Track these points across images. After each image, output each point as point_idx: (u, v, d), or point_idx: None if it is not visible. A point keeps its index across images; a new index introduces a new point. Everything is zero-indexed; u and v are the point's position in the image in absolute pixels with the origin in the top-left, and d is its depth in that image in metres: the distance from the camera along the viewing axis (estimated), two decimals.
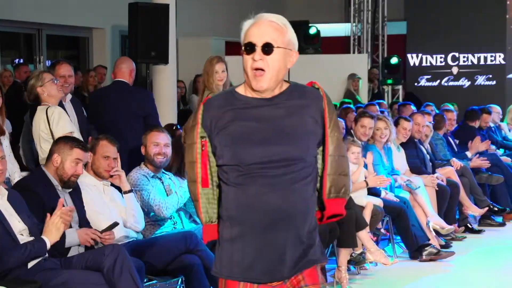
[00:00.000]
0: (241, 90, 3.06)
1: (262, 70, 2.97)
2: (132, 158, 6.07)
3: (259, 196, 2.91)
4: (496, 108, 11.09)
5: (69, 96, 6.50)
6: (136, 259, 4.78)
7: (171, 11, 9.22)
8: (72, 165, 4.85)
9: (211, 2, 14.71)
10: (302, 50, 14.52)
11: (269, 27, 3.02)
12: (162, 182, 5.63)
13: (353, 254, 6.84)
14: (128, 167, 5.71)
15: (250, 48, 2.99)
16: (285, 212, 2.93)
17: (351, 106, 10.15)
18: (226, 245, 3.03)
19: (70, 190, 4.93)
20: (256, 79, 2.97)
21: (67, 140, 4.98)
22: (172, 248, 5.08)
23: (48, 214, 4.39)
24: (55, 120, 5.65)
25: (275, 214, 2.92)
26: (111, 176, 5.29)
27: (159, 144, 5.58)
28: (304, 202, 2.98)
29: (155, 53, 9.02)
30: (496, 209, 9.20)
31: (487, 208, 8.94)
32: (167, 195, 5.60)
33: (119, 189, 5.37)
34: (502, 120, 11.48)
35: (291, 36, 3.08)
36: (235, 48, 14.97)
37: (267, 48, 2.97)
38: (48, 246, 4.37)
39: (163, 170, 5.68)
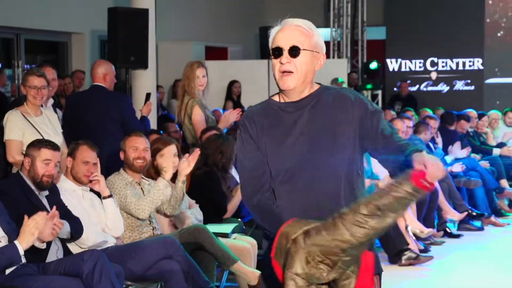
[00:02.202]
0: (276, 98, 3.18)
1: (291, 72, 3.06)
2: (109, 163, 6.04)
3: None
4: (473, 113, 11.17)
5: (51, 101, 6.47)
6: (115, 264, 4.76)
7: (150, 15, 9.20)
8: (42, 165, 4.82)
9: (191, 7, 14.70)
10: None
11: (296, 31, 3.11)
12: (142, 188, 5.61)
13: None
14: (105, 172, 5.68)
15: (277, 52, 3.08)
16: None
17: None
18: None
19: (47, 193, 4.90)
20: (283, 79, 3.07)
21: (35, 142, 5.00)
22: (152, 254, 5.06)
23: (26, 217, 4.36)
24: (5, 125, 5.74)
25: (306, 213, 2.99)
26: (91, 181, 5.26)
27: (138, 148, 5.56)
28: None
29: (134, 57, 9.00)
30: (474, 213, 9.25)
31: (465, 213, 8.98)
32: None
33: (98, 194, 5.34)
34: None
35: (318, 39, 3.18)
36: (215, 53, 14.97)
37: (294, 51, 3.06)
38: (21, 251, 4.31)
39: (142, 176, 5.66)
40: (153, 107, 9.54)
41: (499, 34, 14.95)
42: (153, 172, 5.75)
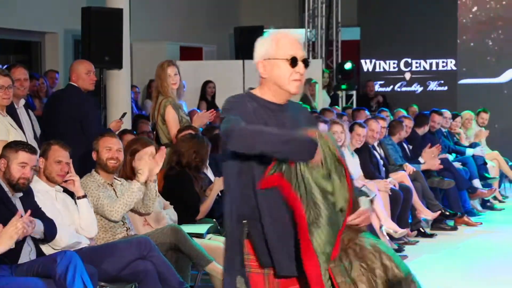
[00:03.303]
0: (258, 93, 3.41)
1: (300, 80, 3.37)
2: (74, 164, 5.98)
3: None
4: (447, 113, 11.24)
5: (23, 101, 6.42)
6: (89, 265, 4.73)
7: (124, 15, 9.17)
8: (18, 168, 4.78)
9: (165, 7, 14.66)
10: None
11: (300, 44, 3.40)
12: (114, 189, 5.58)
13: None
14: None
15: (294, 61, 3.33)
16: None
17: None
18: None
19: (21, 195, 4.87)
20: (295, 85, 3.33)
21: (13, 144, 4.94)
22: (126, 254, 5.04)
23: (1, 225, 4.33)
24: None
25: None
26: (65, 181, 5.23)
27: (111, 148, 5.54)
28: None
29: (108, 57, 8.96)
30: (448, 213, 9.32)
31: (439, 212, 9.05)
32: None
33: (71, 195, 5.31)
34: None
35: None
36: (189, 53, 14.94)
37: (307, 64, 3.36)
38: None
39: (115, 177, 5.64)
40: (127, 107, 9.52)
41: (471, 35, 15.07)
42: (129, 172, 5.73)
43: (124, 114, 7.83)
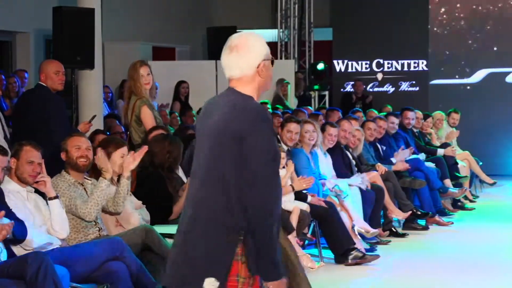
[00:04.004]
0: (254, 96, 3.37)
1: None
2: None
3: None
4: (418, 113, 11.32)
5: None
6: (61, 266, 4.71)
7: (96, 15, 9.13)
8: None
9: (138, 7, 14.61)
10: None
11: None
12: (85, 188, 5.56)
13: None
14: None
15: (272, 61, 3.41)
16: None
17: (277, 111, 10.22)
18: None
19: None
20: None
21: None
22: (97, 255, 5.02)
23: None
24: None
25: None
26: (36, 182, 5.20)
27: (80, 147, 5.52)
28: None
29: (80, 58, 8.92)
30: (419, 213, 9.38)
31: (410, 212, 9.10)
32: None
33: (42, 195, 5.28)
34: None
35: None
36: (162, 53, 14.90)
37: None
38: None
39: (85, 176, 5.61)
40: (99, 107, 9.48)
41: (443, 36, 15.18)
42: (97, 172, 5.71)
43: (94, 116, 7.80)
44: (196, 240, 3.20)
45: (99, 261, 5.01)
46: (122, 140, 6.13)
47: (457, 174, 11.12)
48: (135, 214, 5.83)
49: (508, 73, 14.90)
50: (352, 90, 15.31)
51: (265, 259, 3.16)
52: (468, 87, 15.08)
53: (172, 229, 5.85)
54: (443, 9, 15.18)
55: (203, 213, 3.21)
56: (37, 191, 5.25)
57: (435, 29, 15.17)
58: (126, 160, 5.53)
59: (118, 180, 5.63)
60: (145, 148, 5.62)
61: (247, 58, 3.28)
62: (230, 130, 3.18)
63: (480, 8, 14.99)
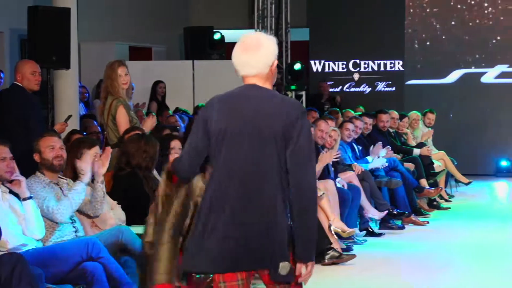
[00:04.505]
0: None
1: None
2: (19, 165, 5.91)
3: None
4: (394, 113, 11.37)
5: None
6: (36, 267, 4.68)
7: (72, 15, 9.10)
8: None
9: (114, 7, 14.55)
10: (206, 56, 14.56)
11: None
12: (61, 188, 5.53)
13: None
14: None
15: None
16: None
17: None
18: None
19: None
20: None
21: None
22: (73, 256, 5.00)
23: None
24: None
25: None
26: (11, 182, 5.16)
27: (54, 147, 5.49)
28: None
29: (56, 57, 8.88)
30: (395, 212, 9.43)
31: (386, 212, 9.14)
32: None
33: (17, 196, 5.24)
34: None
35: None
36: (139, 53, 14.85)
37: None
38: None
39: (59, 176, 5.58)
40: (74, 107, 9.44)
41: (418, 36, 15.27)
42: (71, 172, 5.68)
43: (69, 116, 7.77)
44: (272, 225, 3.46)
45: (75, 262, 4.99)
46: (94, 140, 6.10)
47: (433, 172, 11.19)
48: (111, 214, 5.81)
49: (483, 73, 15.02)
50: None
51: (312, 239, 3.46)
52: (444, 87, 15.17)
53: None
54: (418, 10, 15.27)
55: (269, 201, 3.46)
56: (12, 191, 5.22)
57: (410, 30, 15.26)
58: (96, 165, 5.52)
59: (93, 181, 5.60)
60: (108, 150, 5.59)
61: (263, 57, 3.52)
62: (283, 121, 3.45)
63: (456, 9, 15.08)
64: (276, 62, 3.57)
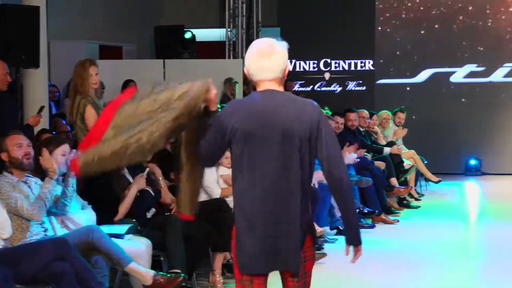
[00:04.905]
0: None
1: None
2: None
3: None
4: (365, 113, 11.43)
5: None
6: (4, 267, 4.64)
7: (41, 13, 9.02)
8: None
9: (84, 5, 14.46)
10: (177, 55, 14.52)
11: None
12: (29, 186, 5.48)
13: (230, 260, 6.89)
14: None
15: None
16: None
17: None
18: None
19: None
20: None
21: None
22: (42, 255, 4.96)
23: None
24: None
25: None
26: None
27: (22, 145, 5.45)
28: None
29: (25, 56, 8.80)
30: (365, 211, 9.48)
31: (357, 211, 9.19)
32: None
33: None
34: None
35: None
36: (109, 52, 14.78)
37: None
38: None
39: (27, 174, 5.54)
40: (45, 108, 9.36)
41: (389, 36, 15.36)
42: (39, 171, 5.63)
43: (42, 107, 7.71)
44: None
45: (44, 262, 4.95)
46: (62, 138, 6.06)
47: (402, 169, 11.26)
48: (81, 214, 5.78)
49: (452, 72, 15.16)
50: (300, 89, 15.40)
51: (356, 224, 3.91)
52: (414, 87, 15.28)
53: (119, 229, 5.84)
54: (389, 10, 15.36)
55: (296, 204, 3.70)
56: None
57: (380, 29, 15.34)
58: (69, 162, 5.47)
59: (63, 179, 5.57)
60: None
61: (278, 61, 3.70)
62: (308, 122, 3.64)
63: (426, 9, 15.20)
64: (288, 67, 3.77)
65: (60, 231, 5.64)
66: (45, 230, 5.41)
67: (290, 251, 3.71)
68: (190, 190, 3.85)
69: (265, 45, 3.75)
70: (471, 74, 15.08)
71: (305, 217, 3.74)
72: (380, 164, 10.63)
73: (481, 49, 14.99)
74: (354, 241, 3.95)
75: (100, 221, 5.89)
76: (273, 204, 3.65)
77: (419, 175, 12.22)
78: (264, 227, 3.65)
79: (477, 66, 15.04)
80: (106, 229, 5.61)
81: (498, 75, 14.99)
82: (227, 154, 7.22)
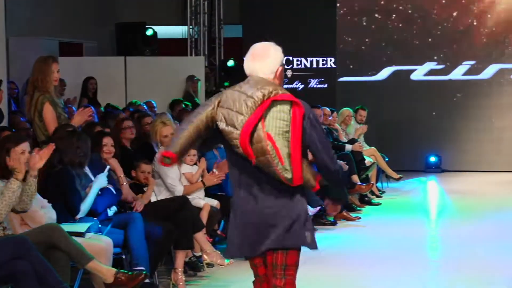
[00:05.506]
0: None
1: None
2: None
3: None
4: (326, 110, 11.47)
5: None
6: None
7: (0, 10, 8.89)
8: None
9: (44, 1, 14.31)
10: (139, 52, 14.45)
11: None
12: None
13: (192, 258, 6.87)
14: None
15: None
16: None
17: (186, 108, 10.20)
18: None
19: None
20: None
21: None
22: (1, 254, 4.90)
23: None
24: None
25: None
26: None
27: None
28: None
29: None
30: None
31: (319, 208, 9.21)
32: None
33: None
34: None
35: None
36: (69, 49, 14.65)
37: None
38: None
39: None
40: (3, 104, 9.23)
41: (350, 34, 15.43)
42: (4, 170, 5.56)
43: (0, 82, 7.58)
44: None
45: (3, 260, 4.89)
46: (22, 136, 5.98)
47: (364, 166, 11.33)
48: (41, 212, 5.71)
49: (413, 70, 15.28)
50: None
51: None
52: (375, 84, 15.38)
53: (79, 227, 5.78)
54: (350, 8, 15.43)
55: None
56: None
57: (342, 27, 15.41)
58: (33, 159, 5.40)
59: (24, 178, 5.50)
60: (52, 146, 5.50)
61: (269, 64, 4.07)
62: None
63: (387, 6, 15.30)
64: (280, 68, 4.10)
65: (20, 230, 5.58)
66: (4, 229, 5.34)
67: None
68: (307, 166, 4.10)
69: (258, 49, 4.11)
70: (431, 72, 15.22)
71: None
72: (341, 163, 10.64)
73: (441, 47, 15.13)
74: (341, 197, 4.24)
75: (60, 220, 5.84)
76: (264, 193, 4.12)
77: (380, 172, 12.30)
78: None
79: (437, 64, 15.19)
80: (66, 227, 5.56)
81: (457, 73, 15.15)
82: (191, 151, 7.27)
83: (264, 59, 4.07)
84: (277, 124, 3.86)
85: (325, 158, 4.06)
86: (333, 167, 4.11)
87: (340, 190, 3.80)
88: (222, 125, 3.89)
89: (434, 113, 15.13)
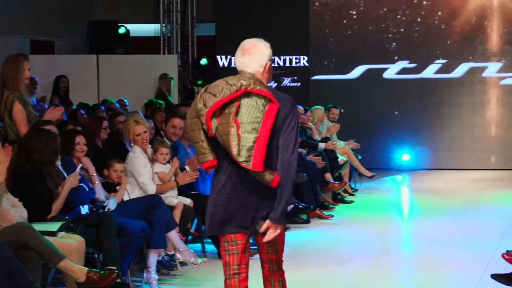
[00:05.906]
0: None
1: None
2: None
3: None
4: (300, 109, 11.48)
5: None
6: None
7: None
8: None
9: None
10: (111, 50, 14.37)
11: None
12: None
13: (165, 257, 6.85)
14: None
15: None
16: None
17: (160, 106, 10.16)
18: None
19: None
20: None
21: None
22: None
23: None
24: None
25: None
26: None
27: None
28: None
29: None
30: (301, 206, 9.52)
31: (292, 206, 9.22)
32: None
33: None
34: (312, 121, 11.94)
35: None
36: (41, 46, 14.52)
37: None
38: None
39: None
40: None
41: (323, 32, 15.47)
42: None
43: None
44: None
45: None
46: None
47: (337, 165, 11.36)
48: (12, 211, 5.66)
49: (385, 69, 15.35)
50: None
51: (285, 206, 4.23)
52: (348, 83, 15.43)
53: (51, 226, 5.74)
54: (323, 6, 15.47)
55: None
56: None
57: (315, 25, 15.44)
58: None
59: None
60: (8, 147, 5.43)
61: (257, 59, 4.27)
62: (284, 112, 4.16)
63: (361, 5, 15.35)
64: (269, 63, 4.30)
65: None
66: None
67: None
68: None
69: (248, 45, 4.32)
70: (403, 71, 15.30)
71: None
72: (317, 160, 10.64)
73: (413, 46, 15.21)
74: (282, 219, 4.32)
75: (31, 219, 5.79)
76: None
77: (353, 170, 12.35)
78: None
79: (409, 63, 15.27)
80: (38, 226, 5.52)
81: (429, 72, 15.24)
82: (162, 150, 7.25)
83: (253, 55, 4.28)
84: (251, 113, 4.08)
85: (291, 156, 4.18)
86: (294, 164, 4.20)
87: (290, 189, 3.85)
88: (200, 105, 4.14)
89: (406, 112, 15.21)
